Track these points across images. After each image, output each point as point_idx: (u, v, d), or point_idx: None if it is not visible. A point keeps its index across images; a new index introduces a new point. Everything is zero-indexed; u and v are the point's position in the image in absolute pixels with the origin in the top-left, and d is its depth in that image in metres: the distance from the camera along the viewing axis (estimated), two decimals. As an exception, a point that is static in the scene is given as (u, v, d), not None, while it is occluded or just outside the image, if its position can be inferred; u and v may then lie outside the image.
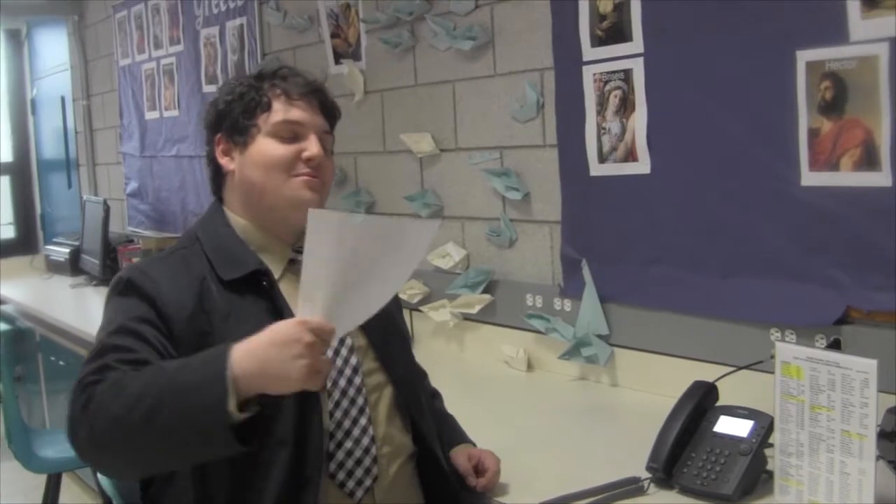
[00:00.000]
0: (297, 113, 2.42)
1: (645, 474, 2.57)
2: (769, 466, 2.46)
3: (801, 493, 2.30)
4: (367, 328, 2.46)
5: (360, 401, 2.38)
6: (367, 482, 2.35)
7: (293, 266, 2.45)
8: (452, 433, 2.75)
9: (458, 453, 2.65)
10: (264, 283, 2.34)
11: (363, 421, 2.37)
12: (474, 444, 2.72)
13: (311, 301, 2.00)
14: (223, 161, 2.47)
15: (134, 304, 2.24)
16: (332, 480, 2.31)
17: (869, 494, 2.17)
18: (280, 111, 2.41)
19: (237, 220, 2.46)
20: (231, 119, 2.44)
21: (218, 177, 2.52)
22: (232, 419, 1.90)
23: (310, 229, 1.97)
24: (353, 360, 2.41)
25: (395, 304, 2.73)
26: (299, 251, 2.43)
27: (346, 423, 2.34)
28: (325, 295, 1.99)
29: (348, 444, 2.33)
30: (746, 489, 2.43)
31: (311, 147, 2.40)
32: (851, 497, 2.19)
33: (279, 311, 2.30)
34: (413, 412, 2.52)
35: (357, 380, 2.40)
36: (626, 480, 2.55)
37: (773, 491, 2.38)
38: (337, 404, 2.34)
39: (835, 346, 2.66)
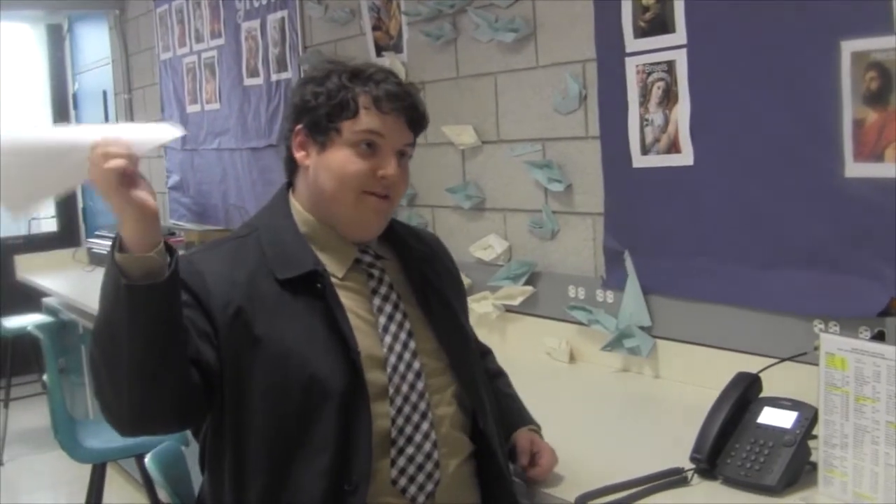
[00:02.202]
0: (382, 126, 2.37)
1: (688, 465, 2.56)
2: (813, 458, 2.45)
3: (846, 484, 2.30)
4: (437, 329, 2.48)
5: (423, 406, 2.36)
6: (430, 487, 2.34)
7: (358, 266, 2.44)
8: (519, 414, 2.75)
9: (522, 436, 2.65)
10: (319, 285, 2.32)
11: (425, 426, 2.35)
12: (538, 427, 2.72)
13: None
14: (298, 155, 2.44)
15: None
16: (393, 486, 2.31)
17: (914, 486, 2.17)
18: (365, 121, 2.36)
19: (302, 212, 2.44)
20: (315, 116, 2.39)
21: (291, 163, 2.49)
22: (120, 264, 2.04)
23: None
24: (416, 365, 2.39)
25: (459, 300, 2.71)
26: (366, 251, 2.46)
27: (408, 429, 2.33)
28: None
29: (410, 450, 2.32)
30: (790, 480, 2.43)
31: (388, 168, 2.36)
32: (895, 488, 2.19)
33: (333, 314, 2.29)
34: (477, 413, 2.49)
35: (420, 384, 2.37)
36: (669, 471, 2.55)
37: (817, 482, 2.38)
38: (399, 410, 2.33)
39: (879, 337, 2.65)
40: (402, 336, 2.40)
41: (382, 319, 2.39)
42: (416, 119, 2.44)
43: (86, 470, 4.79)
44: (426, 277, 2.51)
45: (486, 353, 2.91)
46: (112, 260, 2.04)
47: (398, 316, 2.42)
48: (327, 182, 2.37)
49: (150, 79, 7.84)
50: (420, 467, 2.33)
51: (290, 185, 2.52)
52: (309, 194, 2.44)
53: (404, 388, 2.34)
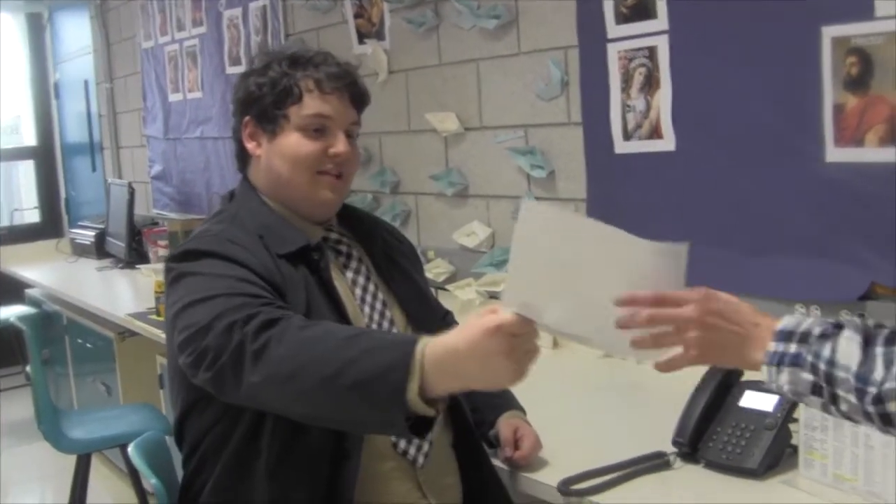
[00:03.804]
0: (327, 107, 2.43)
1: (671, 449, 2.57)
2: (794, 441, 2.46)
3: (826, 466, 2.31)
4: (402, 299, 2.54)
5: None
6: (425, 447, 2.40)
7: (325, 244, 2.48)
8: (503, 398, 2.76)
9: (506, 421, 2.66)
10: (316, 257, 2.38)
11: None
12: (523, 410, 2.74)
13: (515, 295, 1.88)
14: (249, 145, 2.49)
15: (228, 266, 2.22)
16: (395, 450, 2.37)
17: (892, 468, 2.17)
18: (311, 105, 2.42)
19: (268, 200, 2.48)
20: (261, 106, 2.45)
21: (243, 154, 2.54)
22: (410, 408, 1.88)
23: (522, 221, 1.87)
24: (395, 332, 2.46)
25: (418, 271, 2.76)
26: (330, 229, 2.52)
27: None
28: (532, 291, 1.86)
29: None
30: (771, 463, 2.44)
31: (339, 145, 2.43)
32: (876, 470, 2.20)
33: (328, 286, 2.36)
34: None
35: None
36: (651, 455, 2.56)
37: (798, 465, 2.39)
38: None
39: (860, 321, 2.67)
40: (378, 306, 2.48)
41: (358, 291, 2.48)
42: (358, 96, 2.51)
43: (71, 461, 4.78)
44: (385, 253, 2.58)
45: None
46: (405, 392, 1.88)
47: (371, 287, 2.50)
48: (282, 167, 2.43)
49: (131, 68, 7.81)
50: None
51: (246, 177, 2.56)
52: (265, 182, 2.49)
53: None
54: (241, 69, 6.07)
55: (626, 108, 3.48)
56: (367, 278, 2.52)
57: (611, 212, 3.61)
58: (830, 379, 1.65)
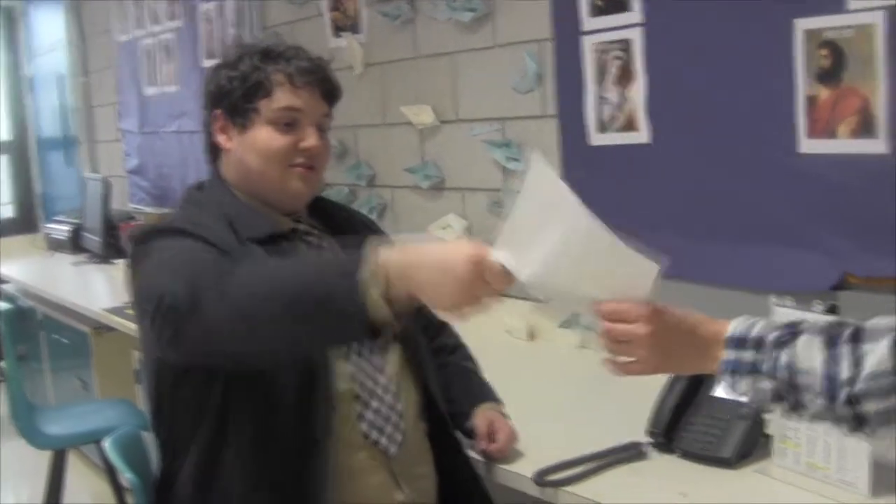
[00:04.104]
0: (298, 101, 2.43)
1: (646, 439, 2.59)
2: (767, 430, 2.48)
3: (799, 455, 2.33)
4: None
5: (377, 360, 2.44)
6: (398, 437, 2.41)
7: (294, 235, 2.49)
8: (480, 390, 2.79)
9: (481, 414, 2.68)
10: (286, 246, 2.39)
11: (382, 379, 2.43)
12: (500, 402, 2.75)
13: (505, 245, 1.89)
14: (220, 139, 2.49)
15: (186, 241, 2.21)
16: (366, 441, 2.37)
17: (865, 455, 2.20)
18: (281, 98, 2.42)
19: (237, 192, 2.48)
20: (231, 99, 2.45)
21: (214, 147, 2.54)
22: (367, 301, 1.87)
23: (531, 175, 1.90)
24: None
25: None
26: (299, 221, 2.52)
27: (369, 384, 2.40)
28: (520, 246, 1.88)
29: (374, 403, 2.39)
30: (745, 452, 2.46)
31: (310, 139, 2.44)
32: (848, 458, 2.22)
33: None
34: (421, 368, 2.58)
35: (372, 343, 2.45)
36: (626, 446, 2.58)
37: (772, 454, 2.41)
38: (358, 367, 2.40)
39: (832, 311, 2.68)
40: None
41: None
42: (329, 90, 2.52)
43: (47, 458, 4.76)
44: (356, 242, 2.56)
45: (442, 325, 2.93)
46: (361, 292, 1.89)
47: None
48: (253, 161, 2.43)
49: (107, 61, 7.77)
50: (387, 419, 2.40)
51: (216, 170, 2.55)
52: (236, 174, 2.48)
53: (356, 344, 2.40)
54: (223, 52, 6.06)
55: (600, 100, 3.49)
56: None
57: (586, 203, 3.61)
58: (793, 386, 1.65)
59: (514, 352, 3.77)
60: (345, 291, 1.89)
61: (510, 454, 2.61)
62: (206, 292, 1.98)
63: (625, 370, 1.82)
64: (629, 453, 2.56)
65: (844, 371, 1.59)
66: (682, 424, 2.56)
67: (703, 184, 3.18)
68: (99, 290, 5.99)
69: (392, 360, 2.50)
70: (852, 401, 1.58)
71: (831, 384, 1.60)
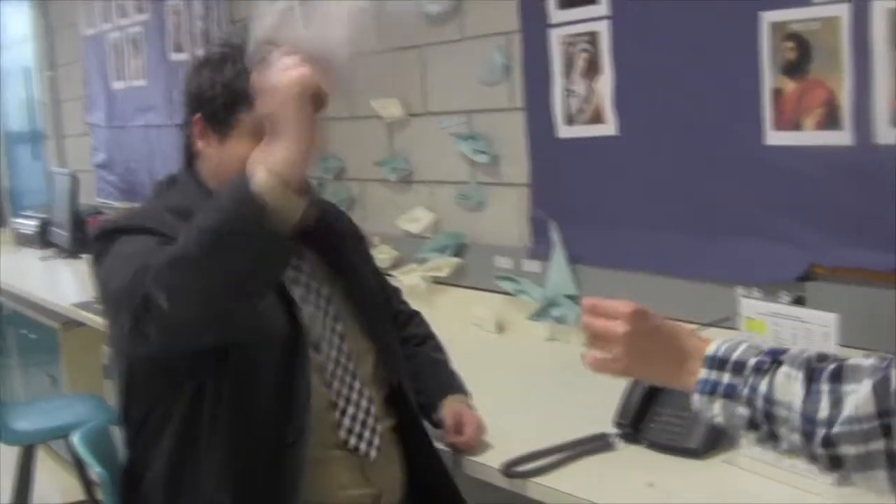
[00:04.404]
0: None
1: (613, 430, 2.60)
2: (735, 421, 2.49)
3: (766, 445, 2.34)
4: (349, 295, 2.54)
5: (351, 366, 2.44)
6: (376, 441, 2.41)
7: None
8: (448, 382, 2.80)
9: (449, 406, 2.69)
10: None
11: (357, 384, 2.43)
12: (467, 393, 2.77)
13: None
14: (199, 143, 2.41)
15: (144, 238, 2.19)
16: (345, 448, 2.38)
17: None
18: None
19: (213, 191, 2.39)
20: (213, 107, 2.36)
21: (190, 148, 2.47)
22: (258, 196, 1.90)
23: None
24: (339, 328, 2.45)
25: (365, 263, 2.75)
26: None
27: (344, 390, 2.40)
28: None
29: (351, 410, 2.39)
30: (712, 443, 2.47)
31: None
32: (815, 448, 2.23)
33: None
34: (393, 375, 2.58)
35: (345, 347, 2.44)
36: (594, 437, 2.59)
37: (739, 444, 2.42)
38: (333, 374, 2.39)
39: (799, 302, 2.70)
40: (322, 303, 2.45)
41: (299, 290, 2.42)
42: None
43: (16, 454, 4.73)
44: (331, 246, 2.53)
45: (411, 315, 2.94)
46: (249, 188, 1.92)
47: (314, 284, 2.46)
48: (233, 172, 2.27)
49: (74, 55, 7.73)
50: (363, 423, 2.40)
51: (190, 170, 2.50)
52: (212, 178, 2.42)
53: (333, 352, 2.41)
54: (184, 56, 6.04)
55: (568, 93, 3.50)
56: (310, 275, 2.47)
57: (554, 195, 3.64)
58: (769, 416, 1.63)
59: (483, 344, 3.78)
60: (241, 208, 1.92)
61: (478, 446, 2.62)
62: (148, 282, 1.98)
63: (598, 366, 1.80)
64: (597, 444, 2.57)
65: (823, 410, 1.56)
66: (650, 415, 2.57)
67: (670, 176, 3.20)
68: (67, 285, 5.96)
69: (366, 364, 2.50)
70: (829, 442, 1.55)
71: (808, 423, 1.57)
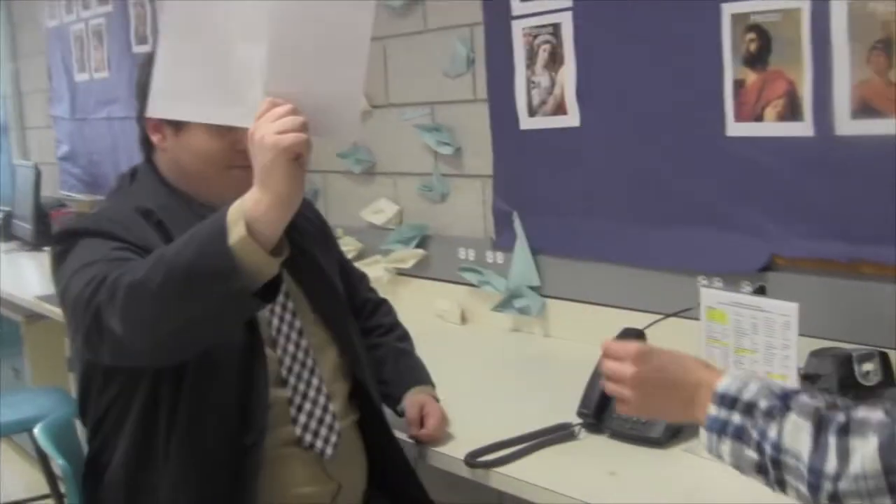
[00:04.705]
0: None
1: (576, 420, 2.61)
2: (697, 410, 2.50)
3: (728, 434, 2.35)
4: (310, 290, 2.53)
5: (309, 362, 2.42)
6: (333, 438, 2.40)
7: None
8: (412, 373, 2.79)
9: (412, 399, 2.69)
10: None
11: (315, 381, 2.42)
12: (432, 385, 2.77)
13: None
14: (154, 137, 2.40)
15: (104, 242, 2.18)
16: (299, 446, 2.37)
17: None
18: None
19: (172, 184, 2.43)
20: None
21: (148, 141, 2.45)
22: (234, 252, 1.90)
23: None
24: (297, 324, 2.44)
25: (328, 254, 2.73)
26: None
27: (301, 387, 2.39)
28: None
29: (308, 406, 2.38)
30: (674, 432, 2.48)
31: (246, 140, 2.33)
32: (775, 437, 2.25)
33: None
34: (356, 371, 2.57)
35: (303, 342, 2.43)
36: (557, 426, 2.60)
37: (700, 433, 2.43)
38: (289, 370, 2.38)
39: (760, 292, 2.71)
40: (280, 298, 2.42)
41: None
42: None
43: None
44: (290, 239, 2.51)
45: (379, 304, 2.94)
46: (226, 244, 1.91)
47: (282, 274, 2.43)
48: (189, 163, 2.37)
49: (37, 47, 7.70)
50: (320, 421, 2.39)
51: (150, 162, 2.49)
52: (170, 171, 2.42)
53: (290, 347, 2.40)
54: (148, 48, 6.01)
55: (531, 84, 3.51)
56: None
57: (517, 187, 3.64)
58: (778, 464, 1.63)
59: (447, 335, 3.78)
60: (213, 259, 1.91)
61: (442, 436, 2.62)
62: (102, 300, 1.99)
63: (619, 407, 1.86)
64: (559, 434, 2.58)
65: (831, 464, 1.56)
66: (613, 405, 2.56)
67: (632, 167, 3.21)
68: (30, 277, 5.92)
69: (328, 359, 2.50)
70: (835, 497, 1.56)
71: (816, 476, 1.57)
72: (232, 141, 2.31)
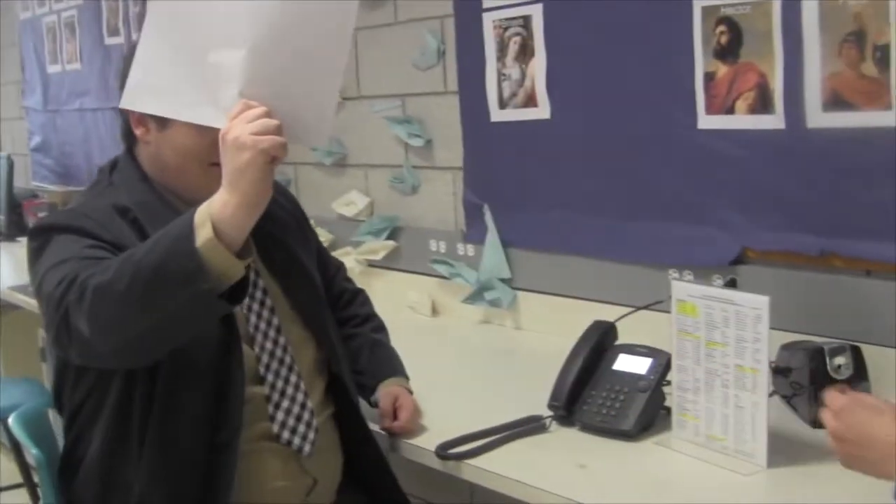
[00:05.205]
0: None
1: (547, 412, 2.61)
2: (667, 402, 2.51)
3: (698, 427, 2.36)
4: (286, 284, 2.52)
5: (288, 359, 2.42)
6: (311, 435, 2.40)
7: None
8: (387, 364, 2.79)
9: (385, 391, 2.69)
10: None
11: (294, 378, 2.41)
12: (406, 377, 2.77)
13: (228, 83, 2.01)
14: (137, 131, 2.38)
15: (79, 239, 2.18)
16: (277, 443, 2.36)
17: (762, 427, 2.23)
18: None
19: (152, 178, 2.41)
20: None
21: (130, 134, 2.43)
22: (200, 253, 1.90)
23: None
24: (275, 321, 2.43)
25: (305, 245, 2.71)
26: None
27: (280, 384, 2.38)
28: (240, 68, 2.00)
29: (285, 403, 2.38)
30: (645, 425, 2.48)
31: None
32: (745, 430, 2.25)
33: None
34: (332, 365, 2.57)
35: (281, 339, 2.42)
36: (528, 419, 2.59)
37: (672, 426, 2.43)
38: (267, 367, 2.38)
39: (731, 285, 2.71)
40: (258, 294, 2.43)
41: None
42: None
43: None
44: (267, 233, 2.48)
45: (356, 294, 2.93)
46: (193, 246, 1.92)
47: (251, 275, 2.41)
48: (171, 159, 2.35)
49: (9, 39, 7.67)
50: (298, 418, 2.39)
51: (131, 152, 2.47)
52: (152, 166, 2.41)
53: (268, 344, 2.40)
54: (120, 40, 6.00)
55: (501, 76, 3.50)
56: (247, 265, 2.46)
57: (487, 179, 3.64)
58: None
59: (418, 327, 3.78)
60: (180, 260, 1.91)
61: (414, 429, 2.62)
62: (71, 301, 1.99)
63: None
64: (530, 426, 2.57)
65: None
66: (583, 398, 2.57)
67: (603, 159, 3.21)
68: (3, 268, 5.88)
69: (306, 355, 2.49)
70: None
71: None
72: (215, 138, 2.28)
